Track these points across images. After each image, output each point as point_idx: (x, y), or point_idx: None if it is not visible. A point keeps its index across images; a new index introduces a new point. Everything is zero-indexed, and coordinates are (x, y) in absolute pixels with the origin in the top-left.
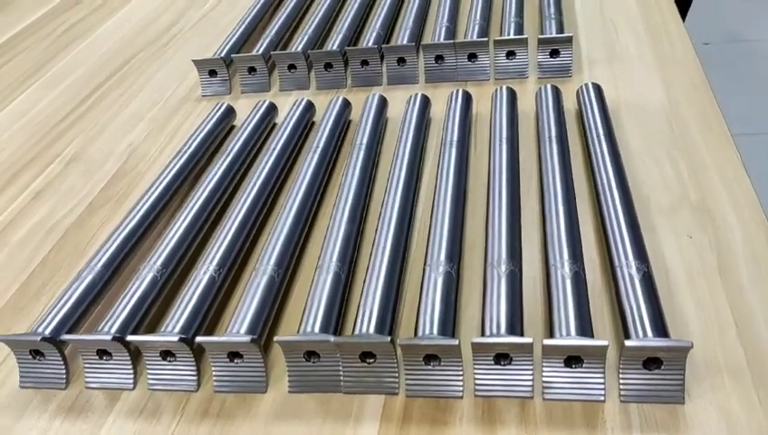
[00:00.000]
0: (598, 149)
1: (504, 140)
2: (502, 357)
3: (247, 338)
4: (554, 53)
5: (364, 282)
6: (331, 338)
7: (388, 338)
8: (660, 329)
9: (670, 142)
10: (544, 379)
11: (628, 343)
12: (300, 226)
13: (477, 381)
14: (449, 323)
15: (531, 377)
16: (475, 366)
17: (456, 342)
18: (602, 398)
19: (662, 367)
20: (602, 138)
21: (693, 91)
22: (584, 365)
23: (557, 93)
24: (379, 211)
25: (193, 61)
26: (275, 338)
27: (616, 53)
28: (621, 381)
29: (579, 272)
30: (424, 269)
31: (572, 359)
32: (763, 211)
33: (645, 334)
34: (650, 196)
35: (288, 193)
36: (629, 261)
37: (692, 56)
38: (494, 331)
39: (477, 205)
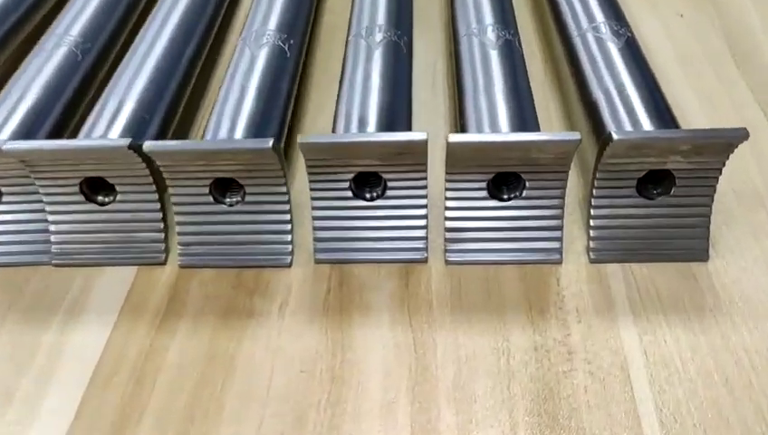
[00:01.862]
0: None
1: None
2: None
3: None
4: None
5: None
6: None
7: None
8: (665, 117)
9: None
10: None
11: (616, 134)
12: None
13: None
14: None
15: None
16: None
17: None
18: (559, 259)
19: (675, 189)
20: None
21: None
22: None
23: None
24: None
25: None
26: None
27: None
28: (593, 224)
29: (511, 41)
30: None
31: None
32: None
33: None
34: None
35: None
36: (599, 23)
37: None
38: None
39: None
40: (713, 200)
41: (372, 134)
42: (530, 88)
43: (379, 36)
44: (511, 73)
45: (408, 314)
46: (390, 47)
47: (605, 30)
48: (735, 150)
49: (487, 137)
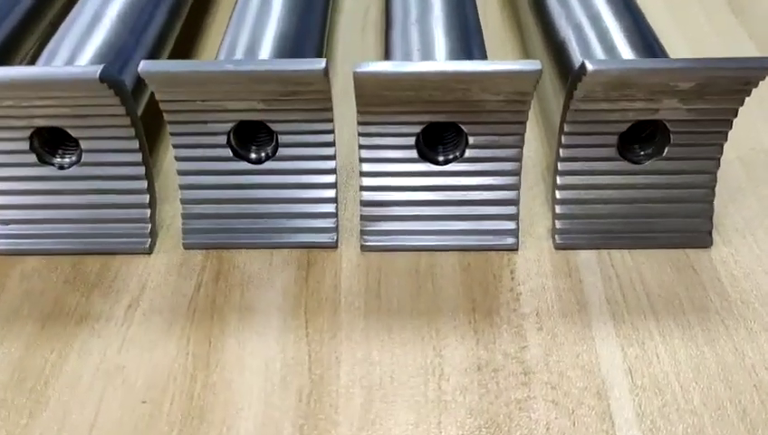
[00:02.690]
0: None
1: None
2: None
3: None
4: None
5: None
6: None
7: None
8: (654, 51)
9: None
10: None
11: (590, 64)
12: None
13: None
14: None
15: None
16: None
17: None
18: (513, 243)
19: (669, 148)
20: None
21: None
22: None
23: None
24: None
25: None
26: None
27: None
28: (559, 197)
29: None
30: None
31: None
32: None
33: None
34: None
35: None
36: None
37: None
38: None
39: None
40: (718, 165)
41: (243, 61)
42: (478, 21)
43: None
44: (454, 3)
45: (305, 320)
46: None
47: None
48: (741, 113)
49: (410, 66)
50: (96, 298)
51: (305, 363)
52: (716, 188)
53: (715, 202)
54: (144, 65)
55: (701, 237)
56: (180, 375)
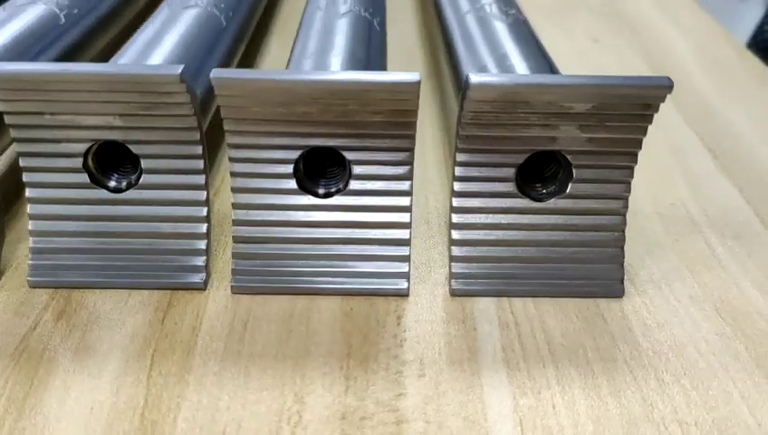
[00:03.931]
0: None
1: None
2: None
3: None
4: None
5: None
6: None
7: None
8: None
9: None
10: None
11: (474, 77)
12: None
13: None
14: None
15: None
16: None
17: None
18: (404, 289)
19: (572, 185)
20: None
21: None
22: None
23: None
24: None
25: None
26: None
27: None
28: (455, 237)
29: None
30: None
31: None
32: None
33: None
34: None
35: None
36: (483, 4)
37: None
38: None
39: None
40: (626, 206)
41: (95, 65)
42: (384, 58)
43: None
44: (359, 41)
45: (150, 362)
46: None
47: (489, 10)
48: (661, 170)
49: (275, 74)
50: None
51: (138, 408)
52: (633, 242)
53: (632, 255)
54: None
55: (612, 286)
56: None
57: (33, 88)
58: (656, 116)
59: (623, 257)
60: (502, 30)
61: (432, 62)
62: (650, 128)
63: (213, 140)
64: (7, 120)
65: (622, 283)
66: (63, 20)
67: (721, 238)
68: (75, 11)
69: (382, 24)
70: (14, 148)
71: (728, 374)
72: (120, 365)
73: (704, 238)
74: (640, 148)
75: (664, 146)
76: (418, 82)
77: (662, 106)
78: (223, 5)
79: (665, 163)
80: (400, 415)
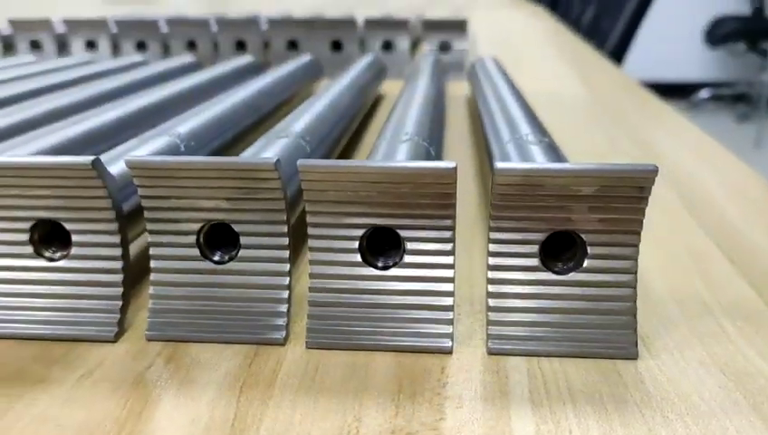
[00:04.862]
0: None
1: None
2: None
3: None
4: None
5: None
6: None
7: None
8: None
9: None
10: None
11: (500, 163)
12: None
13: None
14: None
15: None
16: None
17: None
18: (448, 346)
19: (588, 261)
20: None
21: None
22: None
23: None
24: None
25: None
26: None
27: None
28: (491, 304)
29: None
30: None
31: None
32: None
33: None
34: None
35: None
36: (521, 134)
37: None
38: None
39: None
40: (636, 278)
41: (210, 157)
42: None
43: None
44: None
45: (240, 391)
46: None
47: (526, 138)
48: (680, 269)
49: (345, 163)
50: (54, 369)
51: (229, 421)
52: (650, 319)
53: (648, 328)
54: (130, 157)
55: (628, 349)
56: (111, 425)
57: (163, 175)
58: (676, 226)
59: (636, 324)
60: (535, 150)
61: (482, 187)
62: (671, 234)
63: (298, 232)
64: (143, 202)
65: (636, 346)
66: (183, 149)
67: (731, 320)
68: (192, 143)
69: (438, 151)
70: (146, 226)
71: (726, 415)
72: (214, 393)
73: (716, 320)
74: (641, 227)
75: (683, 250)
76: (455, 168)
77: (682, 218)
78: (308, 138)
79: (683, 264)
80: (439, 433)
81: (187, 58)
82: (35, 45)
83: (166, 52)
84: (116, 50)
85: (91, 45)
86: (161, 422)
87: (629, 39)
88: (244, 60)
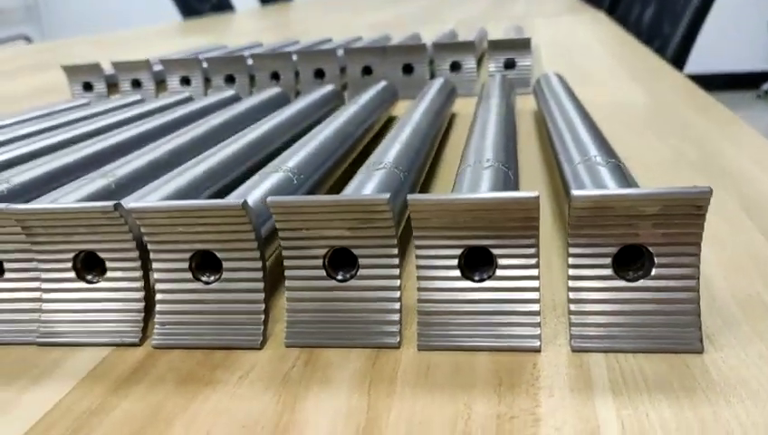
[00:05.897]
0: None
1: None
2: None
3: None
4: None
5: None
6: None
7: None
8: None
9: None
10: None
11: (575, 191)
12: None
13: None
14: None
15: None
16: None
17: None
18: (537, 345)
19: (655, 269)
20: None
21: None
22: None
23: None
24: None
25: None
26: None
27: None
28: (573, 309)
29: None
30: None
31: None
32: None
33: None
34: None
35: None
36: (590, 156)
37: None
38: None
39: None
40: (698, 283)
41: (330, 198)
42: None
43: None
44: (499, 182)
45: (369, 386)
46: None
47: (595, 160)
48: (741, 272)
49: (445, 196)
50: (218, 372)
51: (364, 410)
52: (714, 320)
53: (712, 327)
54: (272, 199)
55: (694, 344)
56: (271, 413)
57: (297, 212)
58: (738, 231)
59: (700, 322)
60: (604, 172)
61: (554, 201)
62: (732, 239)
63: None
64: (280, 233)
65: (701, 341)
66: (296, 182)
67: None
68: (302, 176)
69: (516, 173)
70: (282, 252)
71: None
72: (348, 388)
73: None
74: (701, 239)
75: (744, 255)
76: (537, 197)
77: (743, 224)
78: (401, 167)
79: (745, 268)
80: (537, 417)
81: (274, 90)
82: (136, 84)
83: (252, 82)
84: (207, 83)
85: (185, 82)
86: (311, 411)
87: (694, 35)
88: (326, 89)
